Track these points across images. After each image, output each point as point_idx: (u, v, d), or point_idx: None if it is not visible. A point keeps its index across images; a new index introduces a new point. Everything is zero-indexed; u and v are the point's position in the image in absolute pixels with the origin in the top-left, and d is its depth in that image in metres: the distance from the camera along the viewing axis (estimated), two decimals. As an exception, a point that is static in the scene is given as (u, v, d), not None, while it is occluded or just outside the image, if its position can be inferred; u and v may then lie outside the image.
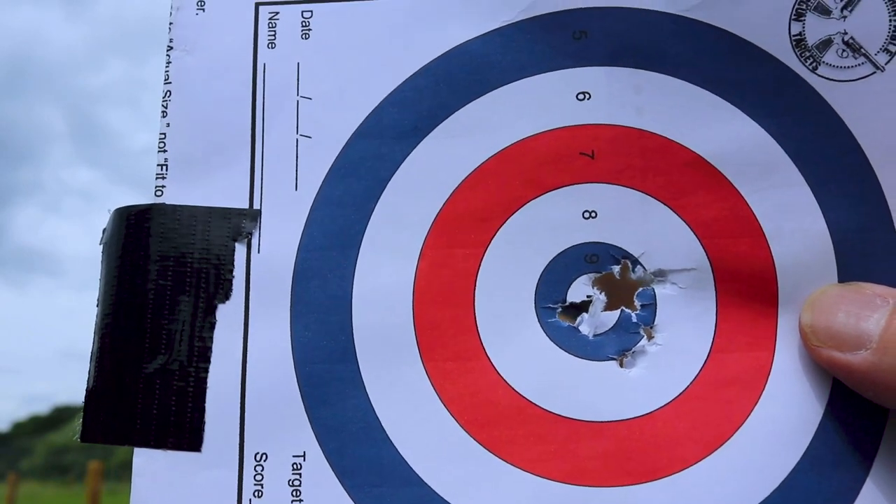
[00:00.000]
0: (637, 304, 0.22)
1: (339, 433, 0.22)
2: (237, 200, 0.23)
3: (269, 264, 0.23)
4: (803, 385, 0.21)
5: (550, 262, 0.23)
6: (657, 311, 0.22)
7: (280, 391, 0.22)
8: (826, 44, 0.22)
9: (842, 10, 0.22)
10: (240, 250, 0.23)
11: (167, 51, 0.24)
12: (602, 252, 0.22)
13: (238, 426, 0.22)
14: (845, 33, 0.22)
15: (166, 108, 0.24)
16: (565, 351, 0.22)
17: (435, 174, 0.23)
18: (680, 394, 0.22)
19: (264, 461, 0.22)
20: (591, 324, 0.22)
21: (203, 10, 0.24)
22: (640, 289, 0.22)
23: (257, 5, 0.24)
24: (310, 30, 0.24)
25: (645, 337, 0.22)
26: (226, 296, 0.23)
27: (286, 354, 0.22)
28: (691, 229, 0.22)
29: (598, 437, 0.21)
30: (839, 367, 0.20)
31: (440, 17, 0.23)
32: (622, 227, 0.22)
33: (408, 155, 0.23)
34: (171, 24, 0.24)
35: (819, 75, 0.22)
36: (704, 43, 0.22)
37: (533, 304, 0.22)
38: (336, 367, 0.22)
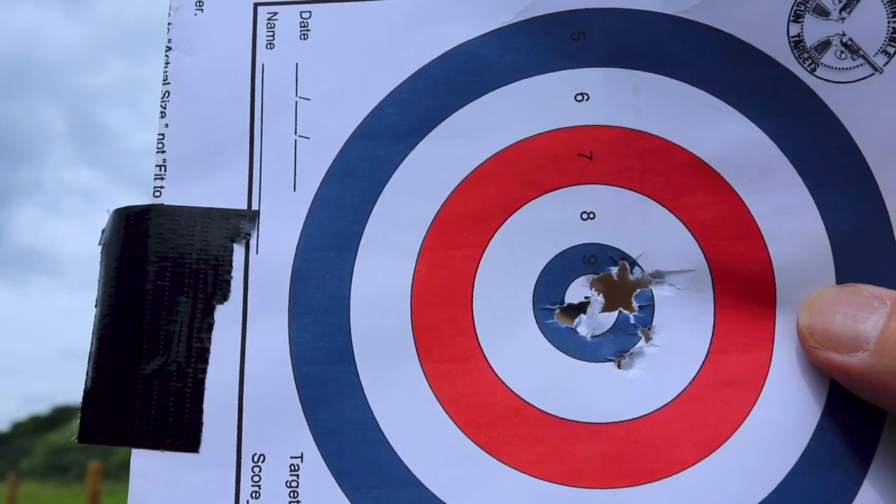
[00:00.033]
0: (635, 305, 0.22)
1: (336, 434, 0.22)
2: (235, 201, 0.23)
3: (268, 265, 0.23)
4: (801, 386, 0.21)
5: (548, 263, 0.23)
6: (655, 312, 0.22)
7: (278, 392, 0.22)
8: (824, 45, 0.22)
9: (840, 12, 0.22)
10: (238, 251, 0.23)
11: (166, 51, 0.24)
12: (600, 253, 0.22)
13: (236, 427, 0.22)
14: (844, 35, 0.22)
15: (165, 108, 0.24)
16: (563, 352, 0.22)
17: (433, 175, 0.23)
18: (678, 395, 0.22)
19: (262, 462, 0.22)
20: (589, 325, 0.22)
21: (202, 10, 0.24)
22: (638, 290, 0.22)
23: (256, 6, 0.24)
24: (308, 30, 0.24)
25: (643, 338, 0.22)
26: (224, 297, 0.23)
27: (284, 355, 0.22)
28: (689, 231, 0.22)
29: (595, 438, 0.21)
30: (837, 369, 0.20)
31: (439, 18, 0.23)
32: (620, 229, 0.22)
33: (406, 156, 0.23)
34: (169, 24, 0.24)
35: (817, 76, 0.22)
36: (703, 44, 0.22)
37: (531, 306, 0.22)
38: (334, 368, 0.22)
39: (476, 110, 0.23)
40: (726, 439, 0.21)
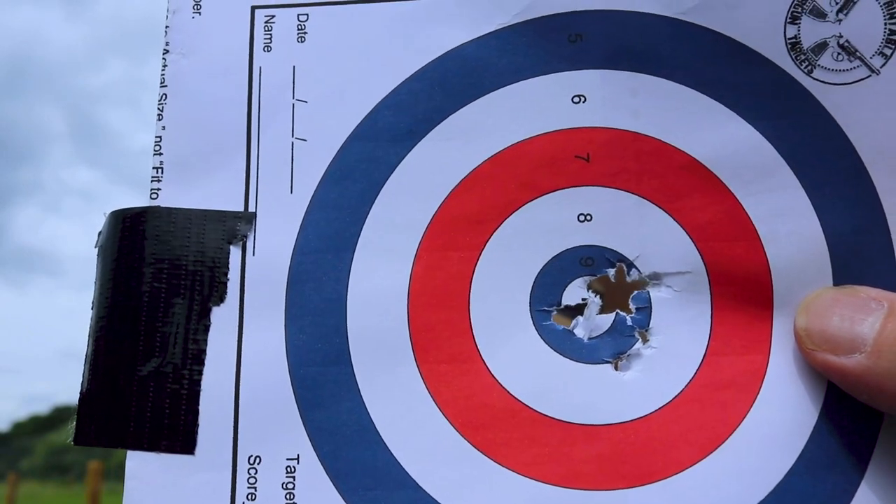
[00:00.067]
0: (632, 307, 0.22)
1: (333, 436, 0.22)
2: (232, 203, 0.23)
3: (264, 267, 0.23)
4: (798, 388, 0.21)
5: (545, 265, 0.23)
6: (652, 314, 0.22)
7: (274, 394, 0.22)
8: (821, 47, 0.22)
9: (837, 14, 0.22)
10: (235, 253, 0.23)
11: (163, 54, 0.24)
12: (597, 255, 0.22)
13: (232, 429, 0.22)
14: (840, 36, 0.22)
15: (162, 110, 0.24)
16: (560, 354, 0.22)
17: (430, 177, 0.23)
18: (675, 397, 0.22)
19: (258, 464, 0.22)
20: (586, 327, 0.22)
21: (199, 13, 0.24)
22: (636, 292, 0.22)
23: (253, 8, 0.24)
24: (305, 33, 0.24)
25: (640, 340, 0.22)
26: (220, 298, 0.23)
27: (280, 357, 0.22)
28: (686, 232, 0.22)
29: (592, 440, 0.21)
30: (834, 371, 0.20)
31: (435, 21, 0.23)
32: (617, 231, 0.22)
33: (403, 158, 0.23)
34: (167, 27, 0.24)
35: (814, 78, 0.22)
36: (700, 46, 0.22)
37: (528, 307, 0.22)
38: (330, 369, 0.22)
39: (473, 112, 0.23)
40: (723, 441, 0.21)
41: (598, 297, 0.22)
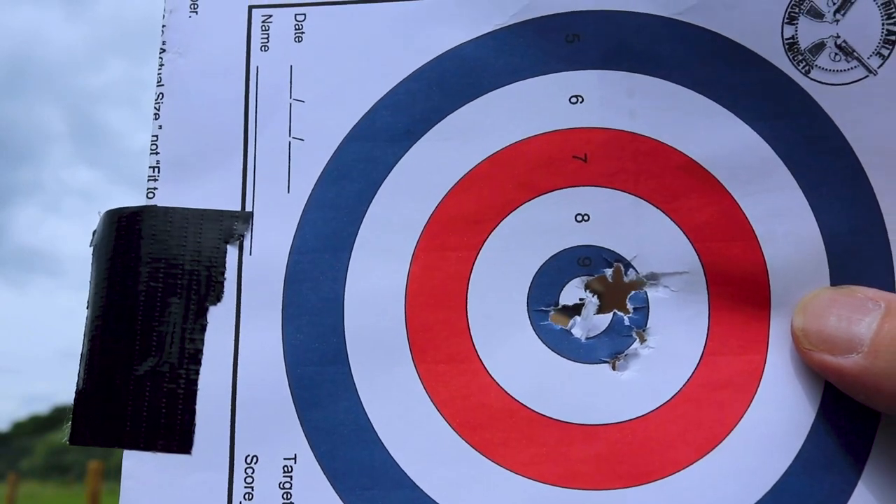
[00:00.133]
0: (629, 307, 0.22)
1: (330, 435, 0.22)
2: (229, 203, 0.23)
3: (261, 266, 0.23)
4: (795, 388, 0.21)
5: (543, 264, 0.23)
6: (650, 314, 0.22)
7: (271, 393, 0.22)
8: (819, 47, 0.22)
9: (834, 14, 0.22)
10: (231, 252, 0.23)
11: (160, 53, 0.24)
12: (594, 255, 0.22)
13: (229, 428, 0.22)
14: (838, 37, 0.22)
15: (159, 110, 0.24)
16: (557, 354, 0.22)
17: (427, 177, 0.23)
18: (672, 397, 0.22)
19: (255, 463, 0.22)
20: (583, 327, 0.22)
21: (196, 12, 0.24)
22: (633, 292, 0.22)
23: (250, 8, 0.24)
24: (303, 33, 0.24)
25: (637, 340, 0.22)
26: (217, 298, 0.23)
27: (277, 357, 0.22)
28: (684, 233, 0.22)
29: (590, 440, 0.21)
30: (831, 371, 0.20)
31: (433, 21, 0.23)
32: (615, 231, 0.22)
33: (400, 158, 0.23)
34: (163, 26, 0.24)
35: (812, 79, 0.22)
36: (697, 46, 0.22)
37: (525, 307, 0.22)
38: (328, 369, 0.22)
39: (471, 112, 0.23)
40: (721, 441, 0.21)
41: (595, 297, 0.22)
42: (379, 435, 0.22)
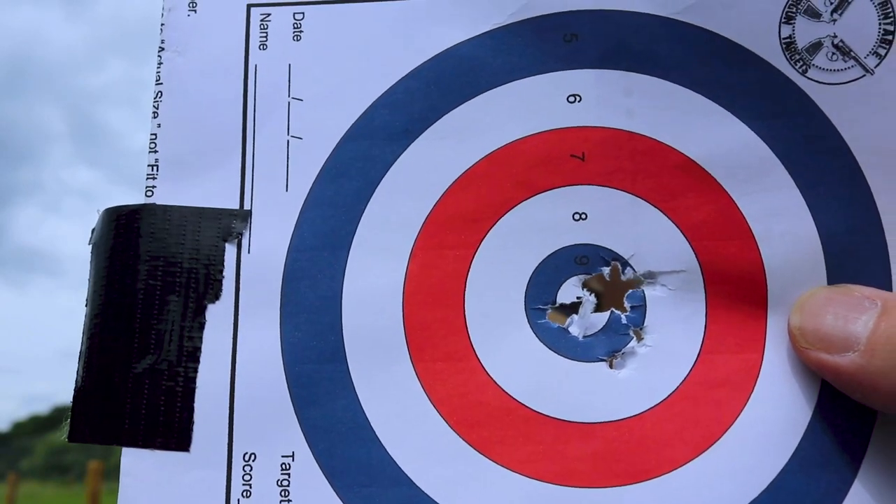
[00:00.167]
0: (627, 305, 0.22)
1: (328, 433, 0.22)
2: (228, 201, 0.23)
3: (259, 265, 0.23)
4: (792, 387, 0.21)
5: (541, 263, 0.23)
6: (647, 312, 0.22)
7: (269, 391, 0.22)
8: (816, 47, 0.22)
9: (831, 14, 0.22)
10: (230, 251, 0.23)
11: (159, 52, 0.24)
12: (592, 254, 0.22)
13: (227, 426, 0.22)
14: (835, 36, 0.22)
15: (157, 108, 0.24)
16: (555, 352, 0.22)
17: (425, 176, 0.23)
18: (669, 395, 0.22)
19: (253, 461, 0.22)
20: (580, 325, 0.22)
21: (195, 11, 0.24)
22: (630, 290, 0.22)
23: (249, 7, 0.24)
24: (301, 31, 0.24)
25: (634, 338, 0.22)
26: (215, 296, 0.23)
27: (275, 355, 0.22)
28: (681, 231, 0.22)
29: (587, 438, 0.21)
30: (827, 369, 0.20)
31: (431, 20, 0.24)
32: (612, 229, 0.22)
33: (398, 156, 0.23)
34: (162, 25, 0.24)
35: (809, 78, 0.22)
36: (695, 46, 0.23)
37: (523, 306, 0.22)
38: (325, 367, 0.22)
39: (468, 111, 0.23)
40: (717, 439, 0.21)
41: (592, 295, 0.22)
42: (377, 433, 0.22)
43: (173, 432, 0.22)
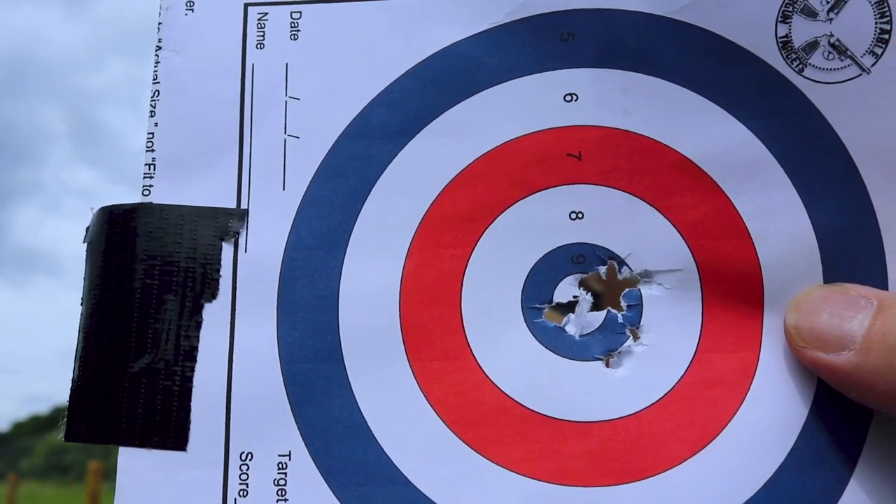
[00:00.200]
0: (623, 304, 0.22)
1: (324, 432, 0.22)
2: (225, 200, 0.23)
3: (256, 264, 0.23)
4: (788, 385, 0.21)
5: (537, 262, 0.23)
6: (643, 311, 0.22)
7: (266, 390, 0.22)
8: (812, 46, 0.22)
9: (828, 13, 0.22)
10: (227, 250, 0.23)
11: (156, 51, 0.24)
12: (589, 253, 0.22)
13: (224, 425, 0.22)
14: (831, 35, 0.22)
15: (154, 107, 0.24)
16: (551, 351, 0.22)
17: (422, 175, 0.23)
18: (665, 394, 0.22)
19: (250, 460, 0.22)
20: (577, 324, 0.22)
21: (192, 10, 0.24)
22: (627, 289, 0.22)
23: (246, 6, 0.24)
24: (298, 31, 0.24)
25: (631, 337, 0.22)
26: (212, 295, 0.23)
27: (272, 354, 0.22)
28: (677, 230, 0.22)
29: (583, 436, 0.21)
30: (823, 368, 0.20)
31: (428, 19, 0.24)
32: (609, 228, 0.22)
33: (395, 155, 0.23)
34: (160, 24, 0.24)
35: (805, 77, 0.22)
36: (691, 45, 0.23)
37: (519, 305, 0.22)
38: (322, 366, 0.22)
39: (465, 110, 0.23)
40: (713, 438, 0.21)
41: (589, 294, 0.23)
42: (373, 432, 0.22)
43: (170, 431, 0.22)
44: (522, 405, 0.22)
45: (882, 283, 0.21)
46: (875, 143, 0.22)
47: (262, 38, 0.24)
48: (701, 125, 0.22)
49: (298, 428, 0.22)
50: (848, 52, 0.22)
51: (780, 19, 0.22)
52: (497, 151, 0.23)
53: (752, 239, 0.22)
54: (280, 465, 0.22)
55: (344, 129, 0.23)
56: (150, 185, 0.23)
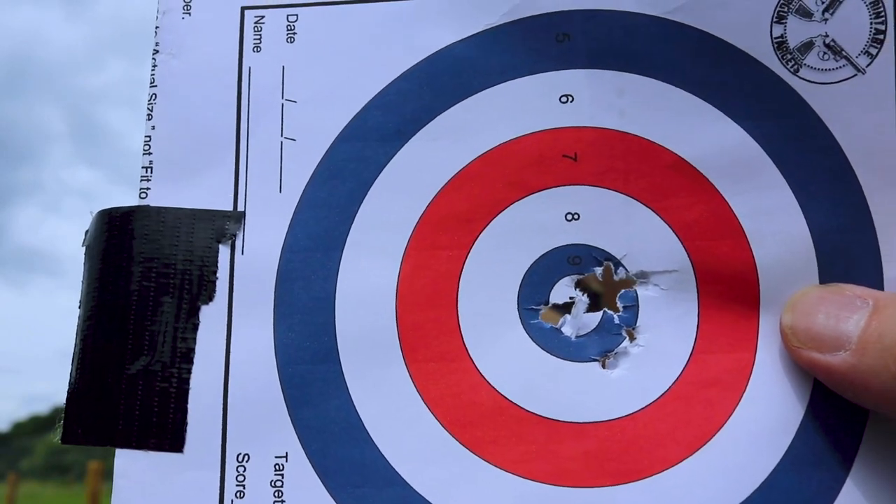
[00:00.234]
0: (619, 305, 0.22)
1: (321, 434, 0.22)
2: (221, 202, 0.23)
3: (253, 266, 0.23)
4: (784, 386, 0.21)
5: (533, 263, 0.23)
6: (639, 312, 0.22)
7: (263, 392, 0.22)
8: (807, 46, 0.22)
9: (823, 13, 0.22)
10: (224, 252, 0.23)
11: (153, 54, 0.24)
12: (585, 254, 0.23)
13: (220, 427, 0.22)
14: (826, 36, 0.22)
15: (151, 110, 0.24)
16: (548, 352, 0.22)
17: (418, 176, 0.23)
18: (662, 395, 0.22)
19: (246, 462, 0.22)
20: (573, 325, 0.22)
21: (189, 13, 0.24)
22: (623, 290, 0.22)
23: (243, 9, 0.24)
24: (295, 33, 0.24)
25: (627, 338, 0.22)
26: (209, 297, 0.23)
27: (269, 355, 0.22)
28: (673, 231, 0.22)
29: (579, 437, 0.22)
30: (819, 368, 0.20)
31: (424, 21, 0.24)
32: (605, 229, 0.22)
33: (392, 157, 0.23)
34: (157, 27, 0.24)
35: (800, 77, 0.22)
36: (686, 46, 0.23)
37: (516, 306, 0.23)
38: (319, 367, 0.22)
39: (461, 112, 0.23)
40: (710, 438, 0.21)
41: (585, 295, 0.23)
42: (370, 433, 0.22)
43: (167, 433, 0.22)
44: (519, 406, 0.22)
45: (878, 284, 0.21)
46: (870, 143, 0.22)
47: (258, 41, 0.24)
48: (696, 126, 0.22)
49: (295, 429, 0.22)
50: (843, 53, 0.22)
51: (775, 20, 0.22)
52: (493, 153, 0.23)
53: (747, 239, 0.22)
54: (277, 467, 0.22)
55: (340, 132, 0.23)
56: (148, 188, 0.23)
